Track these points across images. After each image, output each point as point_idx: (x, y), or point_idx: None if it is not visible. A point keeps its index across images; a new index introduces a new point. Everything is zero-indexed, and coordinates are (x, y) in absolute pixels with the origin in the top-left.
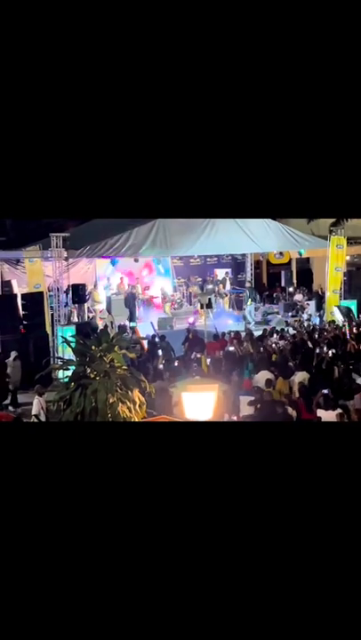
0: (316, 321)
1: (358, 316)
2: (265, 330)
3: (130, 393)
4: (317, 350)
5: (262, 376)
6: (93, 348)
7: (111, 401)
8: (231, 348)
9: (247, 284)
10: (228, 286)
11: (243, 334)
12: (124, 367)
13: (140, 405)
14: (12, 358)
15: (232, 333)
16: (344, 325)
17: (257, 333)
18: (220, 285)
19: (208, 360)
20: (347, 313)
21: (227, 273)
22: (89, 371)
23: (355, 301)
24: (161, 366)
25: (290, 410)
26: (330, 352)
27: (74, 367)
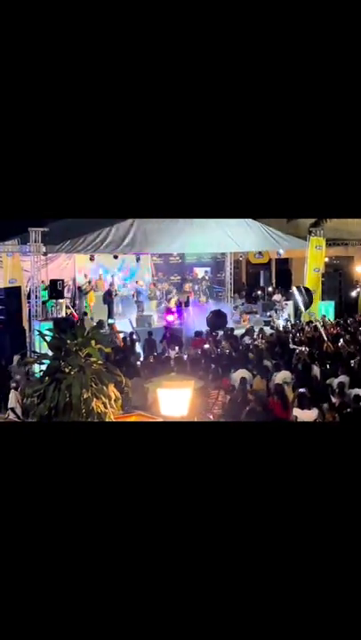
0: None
1: (335, 317)
2: (248, 329)
3: (105, 388)
4: (296, 350)
5: (238, 375)
6: (69, 342)
7: (85, 396)
8: (207, 346)
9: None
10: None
11: (220, 333)
12: (100, 362)
13: (115, 400)
14: None
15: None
16: (318, 321)
17: (237, 332)
18: (203, 283)
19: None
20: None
21: (206, 272)
22: (64, 365)
23: (332, 303)
24: (138, 363)
25: (261, 409)
26: (306, 351)
27: (49, 361)
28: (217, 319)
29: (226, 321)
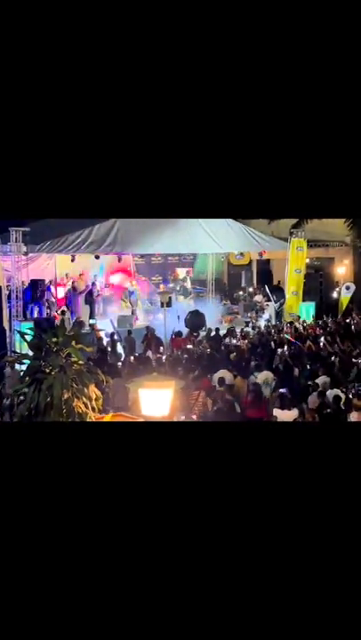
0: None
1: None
2: (217, 329)
3: (85, 389)
4: (279, 351)
5: (218, 375)
6: (49, 342)
7: (66, 396)
8: (190, 346)
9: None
10: (188, 285)
11: (202, 333)
12: (81, 362)
13: (96, 400)
14: None
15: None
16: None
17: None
18: (184, 284)
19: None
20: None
21: (187, 272)
22: (44, 365)
23: (313, 304)
24: (120, 364)
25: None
26: (287, 352)
27: (29, 361)
28: (195, 319)
29: (204, 321)
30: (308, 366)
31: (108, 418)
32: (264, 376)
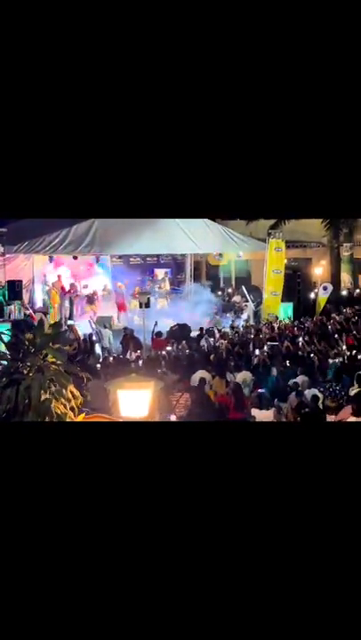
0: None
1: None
2: (202, 329)
3: (64, 389)
4: (257, 351)
5: (197, 376)
6: (27, 342)
7: (44, 397)
8: (168, 348)
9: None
10: (167, 286)
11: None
12: (59, 362)
13: (75, 400)
14: None
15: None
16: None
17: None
18: (162, 285)
19: (142, 360)
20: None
21: (166, 273)
22: (22, 366)
23: (291, 304)
24: (98, 365)
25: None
26: (266, 352)
27: (6, 362)
28: (180, 332)
29: (189, 332)
30: (286, 366)
31: (81, 418)
32: (243, 376)
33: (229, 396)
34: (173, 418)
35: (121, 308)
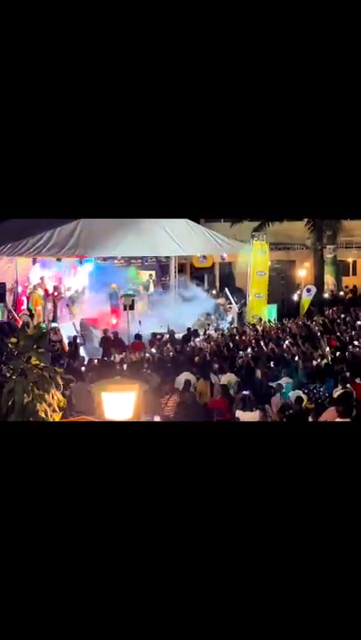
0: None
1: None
2: (188, 330)
3: (47, 393)
4: (241, 353)
5: (182, 378)
6: (11, 345)
7: (26, 401)
8: (153, 350)
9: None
10: (151, 288)
11: (166, 336)
12: (42, 365)
13: (58, 403)
14: None
15: (157, 335)
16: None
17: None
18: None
19: (124, 365)
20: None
21: (150, 275)
22: (5, 369)
23: (275, 306)
24: (83, 368)
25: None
26: (250, 354)
27: None
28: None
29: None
30: (270, 368)
31: (57, 418)
32: (227, 378)
33: (221, 398)
34: (157, 418)
35: (114, 311)
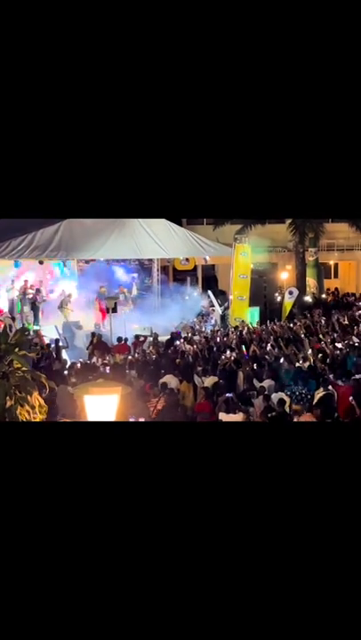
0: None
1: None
2: (172, 333)
3: (29, 396)
4: (223, 356)
5: (164, 380)
6: None
7: (8, 404)
8: (137, 353)
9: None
10: (134, 291)
11: (149, 339)
12: (24, 369)
13: (40, 407)
14: None
15: (141, 337)
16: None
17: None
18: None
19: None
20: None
21: (133, 277)
22: None
23: (257, 308)
24: (66, 372)
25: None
26: (233, 356)
27: None
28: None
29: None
30: (253, 370)
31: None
32: (211, 381)
33: (206, 401)
34: (142, 420)
35: (103, 312)
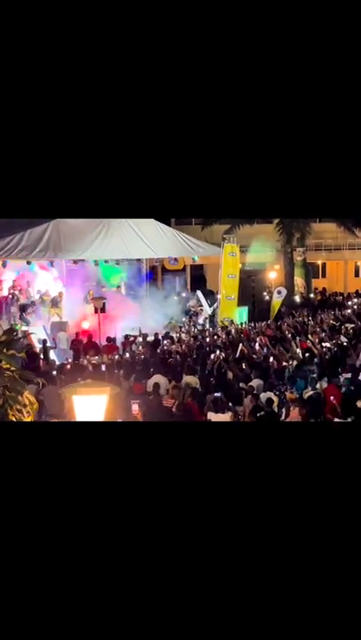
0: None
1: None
2: (156, 335)
3: (19, 396)
4: (212, 355)
5: (152, 381)
6: None
7: None
8: (127, 355)
9: None
10: (123, 291)
11: (139, 339)
12: (13, 368)
13: (30, 406)
14: None
15: (130, 337)
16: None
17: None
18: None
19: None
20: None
21: (122, 278)
22: None
23: (246, 308)
24: (55, 372)
25: (178, 413)
26: (221, 356)
27: None
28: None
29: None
30: (241, 370)
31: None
32: (190, 381)
33: (192, 401)
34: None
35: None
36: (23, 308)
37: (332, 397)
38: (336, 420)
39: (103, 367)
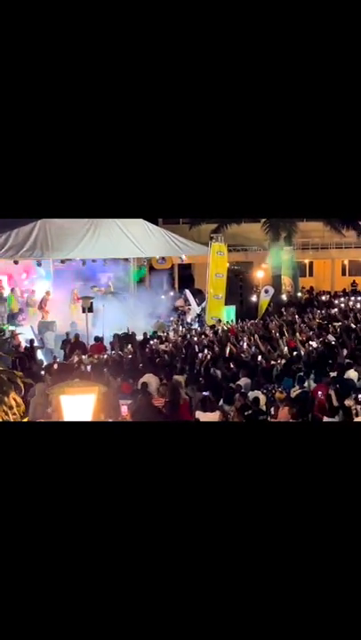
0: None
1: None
2: (145, 334)
3: (7, 396)
4: (200, 355)
5: (142, 379)
6: None
7: None
8: (113, 352)
9: None
10: (111, 290)
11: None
12: (1, 369)
13: (17, 407)
14: None
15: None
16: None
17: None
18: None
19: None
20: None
21: (109, 277)
22: None
23: (233, 307)
24: (42, 372)
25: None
26: (209, 355)
27: None
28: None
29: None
30: (229, 368)
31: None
32: (175, 378)
33: (187, 399)
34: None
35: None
36: (13, 317)
37: (319, 393)
38: (325, 418)
39: (88, 368)
